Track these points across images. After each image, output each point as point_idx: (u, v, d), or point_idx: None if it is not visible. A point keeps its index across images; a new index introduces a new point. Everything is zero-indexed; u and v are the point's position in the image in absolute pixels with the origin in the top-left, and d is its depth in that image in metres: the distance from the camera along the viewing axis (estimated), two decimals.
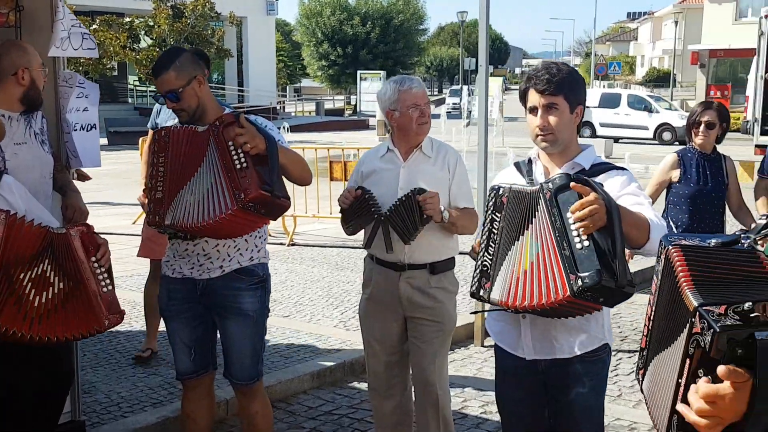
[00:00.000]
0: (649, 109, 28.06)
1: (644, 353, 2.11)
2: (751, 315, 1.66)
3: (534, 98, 2.77)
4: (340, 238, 9.81)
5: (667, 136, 27.61)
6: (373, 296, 3.78)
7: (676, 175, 5.09)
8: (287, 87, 49.59)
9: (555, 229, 2.44)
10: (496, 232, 2.67)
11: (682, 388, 1.77)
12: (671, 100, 35.76)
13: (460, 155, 3.81)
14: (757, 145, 14.79)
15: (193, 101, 3.30)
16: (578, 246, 2.37)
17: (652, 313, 2.07)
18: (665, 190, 5.25)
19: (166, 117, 4.80)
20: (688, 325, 1.75)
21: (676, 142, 27.08)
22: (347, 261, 8.88)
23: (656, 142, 27.43)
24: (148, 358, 5.42)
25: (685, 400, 1.76)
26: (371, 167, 3.78)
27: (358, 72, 41.06)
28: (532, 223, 2.55)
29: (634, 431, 4.54)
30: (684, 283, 1.81)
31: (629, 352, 5.83)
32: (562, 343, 2.77)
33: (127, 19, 28.80)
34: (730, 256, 1.93)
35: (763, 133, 14.63)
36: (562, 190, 2.44)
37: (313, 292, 7.57)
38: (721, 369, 1.62)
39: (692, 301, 1.74)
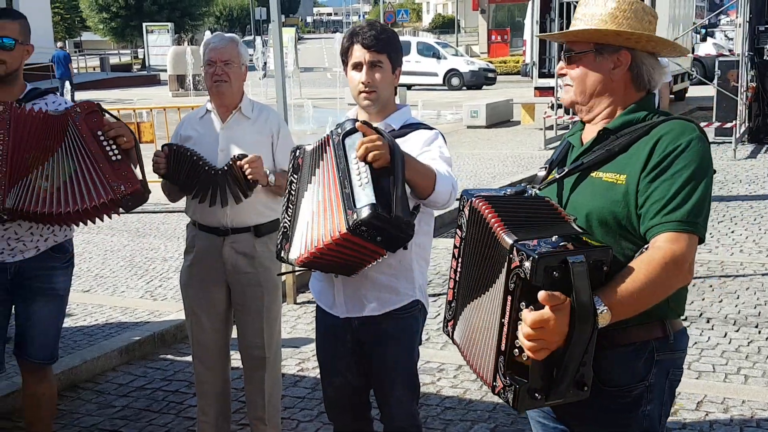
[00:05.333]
0: (437, 56, 29.02)
1: (452, 305, 2.21)
2: (560, 244, 1.84)
3: (359, 54, 2.77)
4: None
5: (455, 81, 28.75)
6: (195, 263, 3.65)
7: None
8: (66, 42, 46.29)
9: (339, 170, 2.46)
10: (293, 193, 2.70)
11: (506, 328, 1.88)
12: (457, 46, 37.18)
13: (282, 118, 3.73)
14: (536, 88, 15.78)
15: (17, 61, 3.25)
16: (357, 182, 2.38)
17: (458, 265, 2.17)
18: None
19: None
20: (506, 263, 1.87)
21: (464, 87, 28.31)
22: (149, 227, 8.50)
23: (446, 87, 28.49)
24: None
25: (512, 338, 1.88)
26: (190, 130, 3.64)
27: (144, 24, 39.08)
28: (318, 170, 2.58)
29: (443, 371, 4.78)
30: (496, 227, 1.94)
31: (433, 295, 6.09)
32: (371, 300, 2.82)
33: None
34: (526, 201, 2.12)
35: (541, 75, 15.60)
36: (349, 134, 2.46)
37: (114, 262, 7.23)
38: (541, 294, 1.77)
39: (507, 239, 1.88)
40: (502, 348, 1.90)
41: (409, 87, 25.63)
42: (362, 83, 2.78)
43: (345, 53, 2.83)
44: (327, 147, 2.55)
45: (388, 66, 2.79)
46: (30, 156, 3.11)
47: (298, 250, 2.64)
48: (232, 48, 3.53)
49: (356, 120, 2.50)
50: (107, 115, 3.23)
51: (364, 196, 2.34)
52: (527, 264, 1.79)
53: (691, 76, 18.94)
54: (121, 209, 3.21)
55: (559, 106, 14.04)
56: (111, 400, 4.58)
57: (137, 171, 3.23)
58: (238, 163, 3.36)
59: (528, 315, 1.80)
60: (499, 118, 17.65)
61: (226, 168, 3.40)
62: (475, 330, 2.08)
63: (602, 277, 1.89)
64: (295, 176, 2.71)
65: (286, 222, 2.72)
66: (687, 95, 20.05)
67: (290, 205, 2.71)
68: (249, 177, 3.36)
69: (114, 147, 3.14)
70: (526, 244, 1.84)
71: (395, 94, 2.92)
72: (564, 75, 2.24)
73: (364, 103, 2.82)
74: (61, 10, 46.54)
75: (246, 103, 3.61)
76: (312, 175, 2.62)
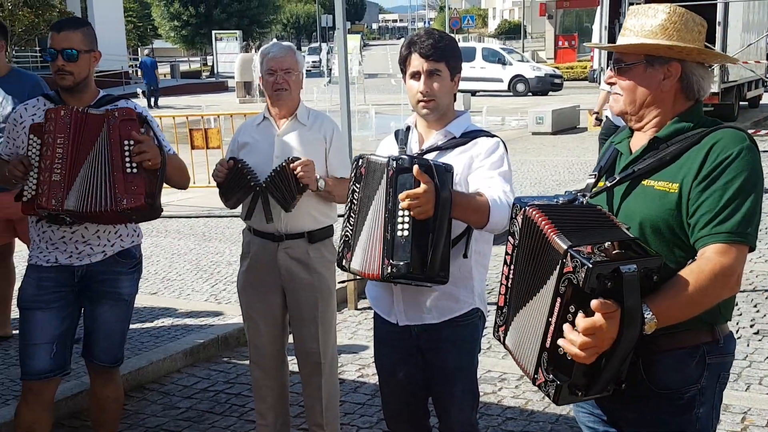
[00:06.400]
0: (502, 62, 28.82)
1: (504, 310, 2.26)
2: (613, 252, 1.90)
3: (417, 63, 2.76)
4: (205, 207, 9.60)
5: (520, 87, 28.50)
6: (251, 268, 3.71)
7: None
8: (138, 49, 47.54)
9: (386, 210, 2.52)
10: (356, 202, 2.71)
11: (552, 326, 1.95)
12: (523, 51, 36.86)
13: (337, 124, 3.78)
14: None
15: (84, 70, 3.29)
16: (399, 233, 2.47)
17: (510, 272, 2.22)
18: None
19: None
20: (558, 266, 1.91)
21: (530, 93, 28.04)
22: (215, 231, 8.65)
23: (511, 93, 28.26)
24: None
25: (557, 336, 1.93)
26: (247, 137, 3.70)
27: (213, 32, 39.88)
28: (377, 194, 2.61)
29: (505, 381, 4.72)
30: (550, 232, 1.97)
31: (493, 303, 6.01)
32: (430, 308, 2.82)
33: None
34: (577, 209, 2.17)
35: None
36: (403, 172, 2.48)
37: (181, 266, 7.38)
38: (594, 302, 1.84)
39: (561, 244, 1.92)
40: (547, 345, 1.97)
41: (473, 93, 25.52)
42: (420, 92, 2.77)
43: (403, 62, 2.82)
44: (383, 175, 2.57)
45: (446, 74, 2.78)
46: (81, 157, 3.17)
47: (359, 263, 2.68)
48: (291, 56, 3.58)
49: (414, 158, 2.51)
50: (147, 128, 3.22)
51: (401, 251, 2.47)
52: (581, 272, 1.84)
53: (765, 83, 18.39)
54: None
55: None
56: (176, 401, 4.67)
57: (151, 187, 3.19)
58: (291, 165, 3.39)
59: (581, 322, 1.86)
60: (565, 124, 17.41)
61: (269, 177, 3.43)
62: (525, 330, 2.13)
63: (651, 285, 1.94)
64: (357, 186, 2.71)
65: (348, 230, 2.74)
66: (761, 102, 19.46)
67: (352, 215, 2.73)
68: (301, 181, 3.38)
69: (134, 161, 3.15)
70: (580, 251, 1.88)
71: (455, 100, 2.91)
72: (614, 84, 2.24)
73: (423, 112, 2.82)
74: (134, 19, 47.83)
75: (302, 110, 3.66)
76: (373, 196, 2.63)
